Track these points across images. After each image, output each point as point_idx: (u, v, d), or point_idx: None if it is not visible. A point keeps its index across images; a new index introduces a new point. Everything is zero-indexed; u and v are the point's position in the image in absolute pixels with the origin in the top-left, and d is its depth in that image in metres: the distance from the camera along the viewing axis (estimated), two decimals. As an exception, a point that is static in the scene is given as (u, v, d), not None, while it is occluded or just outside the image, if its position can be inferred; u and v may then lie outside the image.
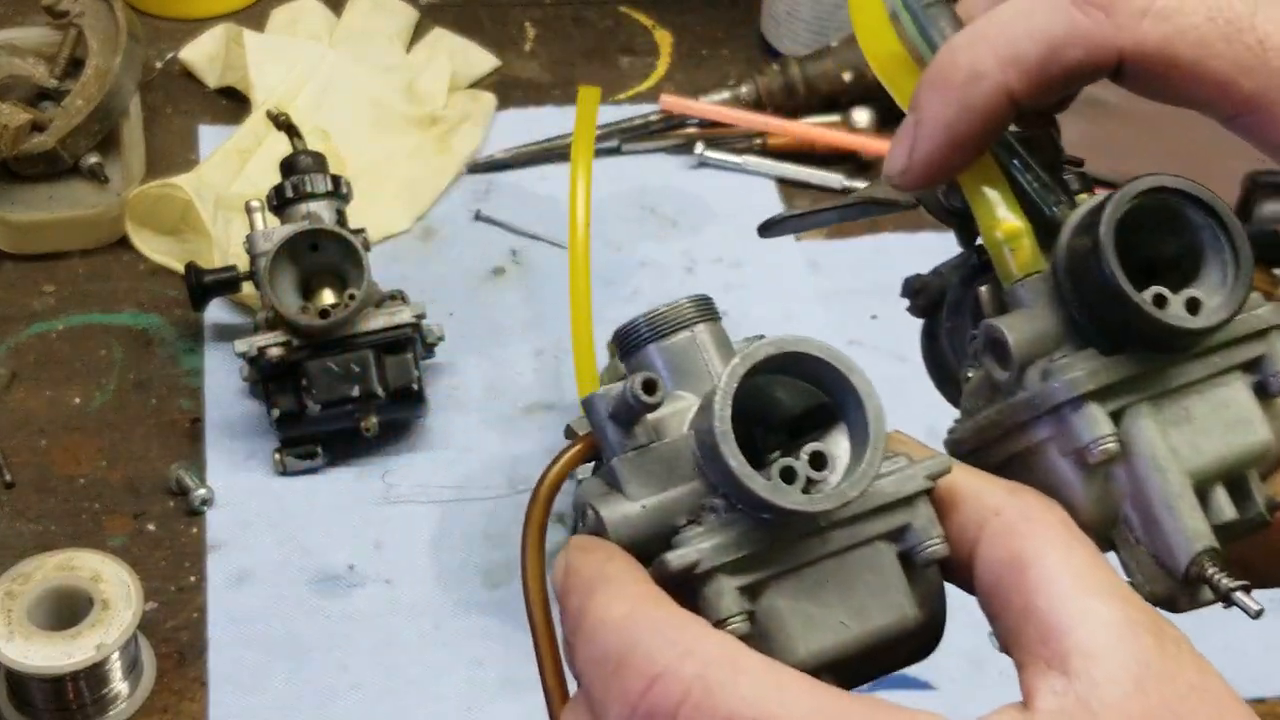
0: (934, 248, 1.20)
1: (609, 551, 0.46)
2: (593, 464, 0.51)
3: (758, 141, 1.26)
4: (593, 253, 0.97)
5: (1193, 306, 0.48)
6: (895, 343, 1.12)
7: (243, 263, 1.05)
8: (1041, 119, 0.54)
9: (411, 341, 1.02)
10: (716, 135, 1.27)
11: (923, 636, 0.49)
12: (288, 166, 1.07)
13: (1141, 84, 0.51)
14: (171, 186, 1.13)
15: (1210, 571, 0.47)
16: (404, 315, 1.02)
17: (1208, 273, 0.49)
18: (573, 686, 0.47)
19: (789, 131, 1.25)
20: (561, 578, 0.47)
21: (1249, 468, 0.50)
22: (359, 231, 1.04)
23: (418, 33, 1.34)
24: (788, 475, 0.45)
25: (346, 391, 1.00)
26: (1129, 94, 0.51)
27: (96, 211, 1.16)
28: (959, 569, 0.47)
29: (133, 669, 0.90)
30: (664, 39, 1.38)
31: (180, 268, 1.08)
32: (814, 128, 1.26)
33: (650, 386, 0.47)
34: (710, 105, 1.26)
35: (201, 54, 1.29)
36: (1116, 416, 0.48)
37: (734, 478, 0.44)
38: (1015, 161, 0.53)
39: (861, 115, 1.25)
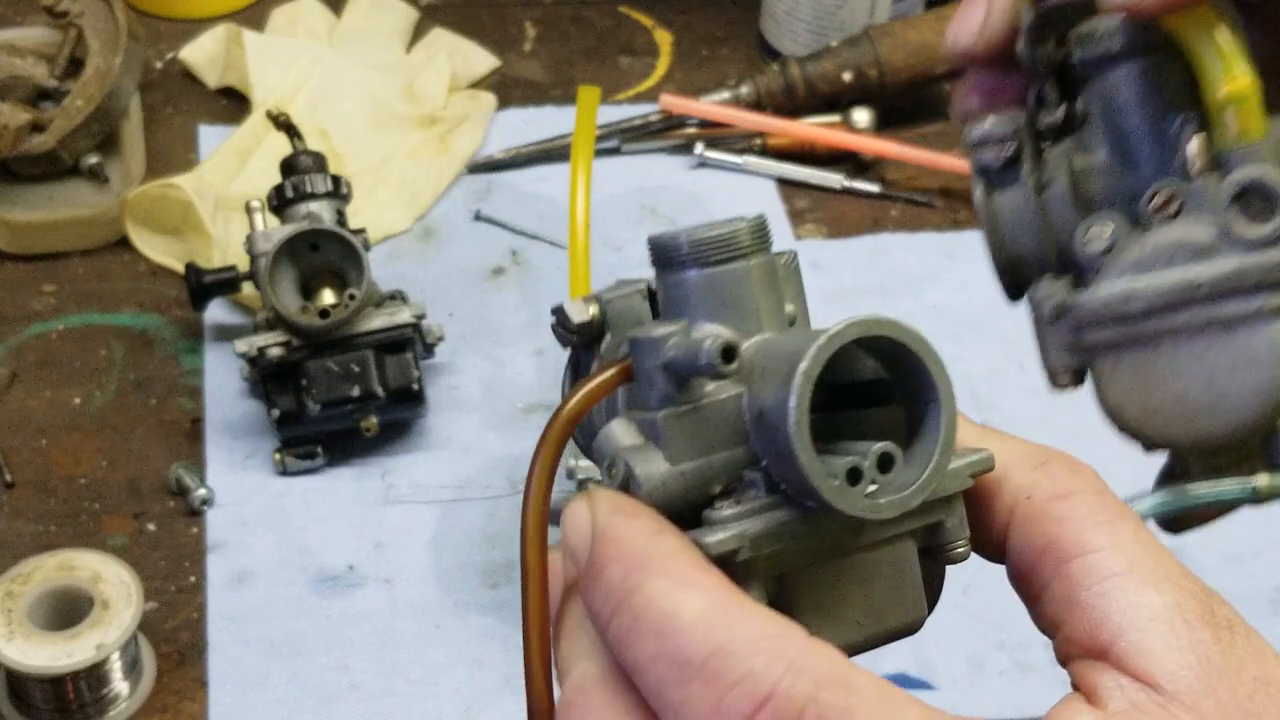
0: (934, 247, 1.22)
1: (658, 523, 0.42)
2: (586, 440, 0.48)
3: (757, 142, 1.26)
4: (593, 253, 0.97)
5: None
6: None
7: (243, 263, 1.05)
8: None
9: (411, 341, 1.02)
10: (716, 135, 1.27)
11: (919, 627, 0.47)
12: (288, 166, 1.07)
13: None
14: (171, 187, 1.13)
15: None
16: (404, 315, 1.02)
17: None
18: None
19: (789, 132, 1.25)
20: (591, 541, 0.42)
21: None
22: (359, 231, 1.04)
23: (417, 32, 1.34)
24: (854, 477, 0.41)
25: (346, 391, 1.00)
26: None
27: (96, 211, 1.16)
28: (987, 546, 0.46)
29: (133, 669, 0.90)
30: (664, 39, 1.38)
31: (180, 268, 1.09)
32: (814, 128, 1.26)
33: (730, 354, 0.41)
34: (710, 105, 1.26)
35: (201, 54, 1.29)
36: None
37: (802, 475, 0.40)
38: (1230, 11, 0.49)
39: (861, 115, 1.25)
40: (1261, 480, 0.53)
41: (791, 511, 0.42)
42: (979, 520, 0.45)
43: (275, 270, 1.00)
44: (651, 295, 0.49)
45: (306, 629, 0.95)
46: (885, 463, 0.41)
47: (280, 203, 1.04)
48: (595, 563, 0.42)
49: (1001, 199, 0.52)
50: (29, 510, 1.00)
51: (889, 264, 1.20)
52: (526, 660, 0.45)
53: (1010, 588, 0.46)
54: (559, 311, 0.48)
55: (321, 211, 1.04)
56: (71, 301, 1.13)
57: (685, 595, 0.39)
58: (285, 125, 1.13)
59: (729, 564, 0.42)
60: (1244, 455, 0.51)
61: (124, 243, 1.15)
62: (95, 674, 0.88)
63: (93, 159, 1.19)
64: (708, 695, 0.38)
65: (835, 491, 0.41)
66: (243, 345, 1.00)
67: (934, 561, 0.46)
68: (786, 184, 1.25)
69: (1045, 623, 0.44)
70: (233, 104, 1.28)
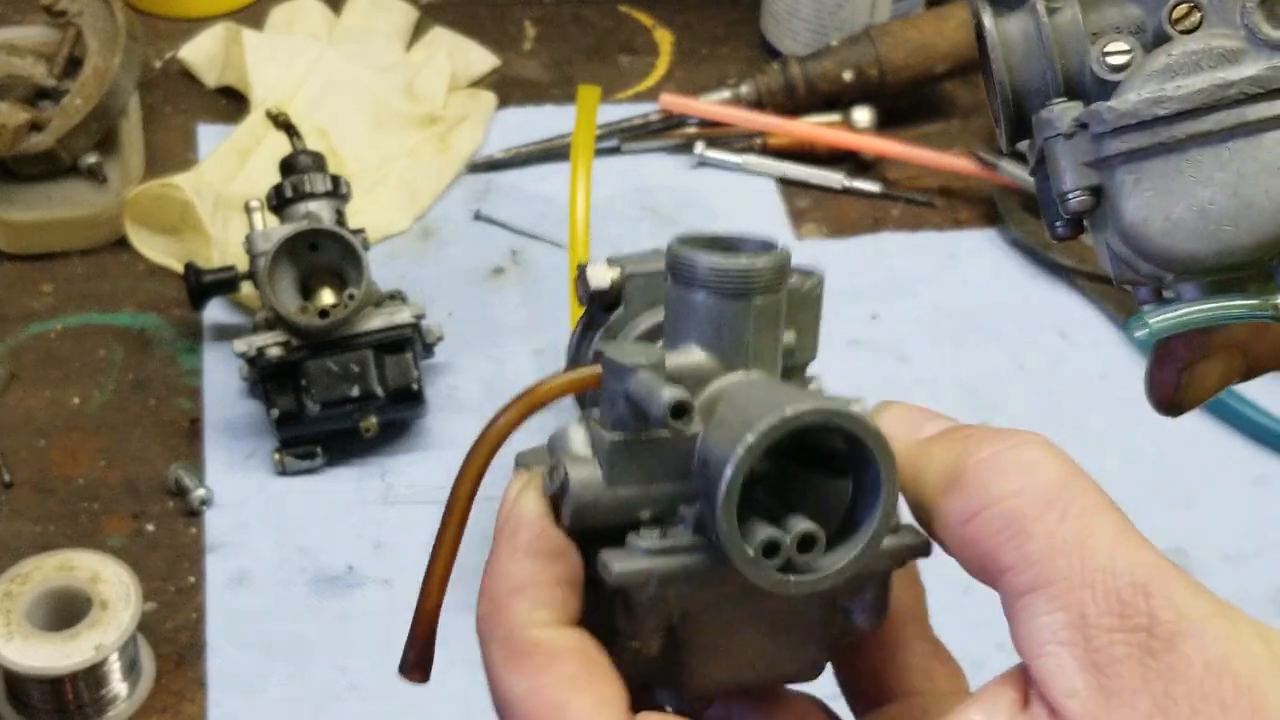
0: (934, 247, 1.21)
1: (544, 562, 0.46)
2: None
3: (758, 141, 1.26)
4: (592, 253, 0.97)
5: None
6: (895, 342, 1.11)
7: (242, 262, 1.05)
8: None
9: (411, 341, 1.02)
10: (716, 135, 1.26)
11: (812, 678, 0.48)
12: (287, 166, 1.06)
13: None
14: (170, 186, 1.13)
15: None
16: (403, 315, 1.02)
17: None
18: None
19: (789, 131, 1.25)
20: (500, 532, 0.48)
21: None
22: (358, 231, 1.03)
23: (417, 32, 1.34)
24: (770, 550, 0.42)
25: (346, 391, 1.00)
26: None
27: (95, 211, 1.16)
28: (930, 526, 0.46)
29: (131, 670, 0.90)
30: (664, 38, 1.38)
31: (179, 267, 1.08)
32: (814, 127, 1.25)
33: (680, 411, 0.42)
34: (710, 105, 1.26)
35: (200, 53, 1.29)
36: None
37: (722, 538, 0.41)
38: None
39: (862, 115, 1.25)
40: None
41: (710, 557, 0.43)
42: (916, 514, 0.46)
43: (274, 270, 0.99)
44: None
45: (306, 629, 0.95)
46: (805, 544, 0.42)
47: (279, 202, 1.04)
48: (489, 564, 0.48)
49: (1011, 24, 0.51)
50: (28, 510, 1.00)
51: (889, 264, 1.20)
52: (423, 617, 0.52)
53: None
54: (581, 270, 0.49)
55: (321, 211, 1.03)
56: (70, 301, 1.13)
57: (515, 677, 0.46)
58: (284, 124, 1.12)
59: (629, 594, 0.43)
60: (1261, 280, 0.50)
61: (123, 242, 1.15)
62: (94, 675, 0.88)
63: (91, 158, 1.18)
64: None
65: (748, 561, 0.41)
66: (242, 345, 1.00)
67: (844, 622, 0.46)
68: (787, 183, 1.25)
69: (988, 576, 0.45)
70: (232, 103, 1.28)
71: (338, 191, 1.05)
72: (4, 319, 1.11)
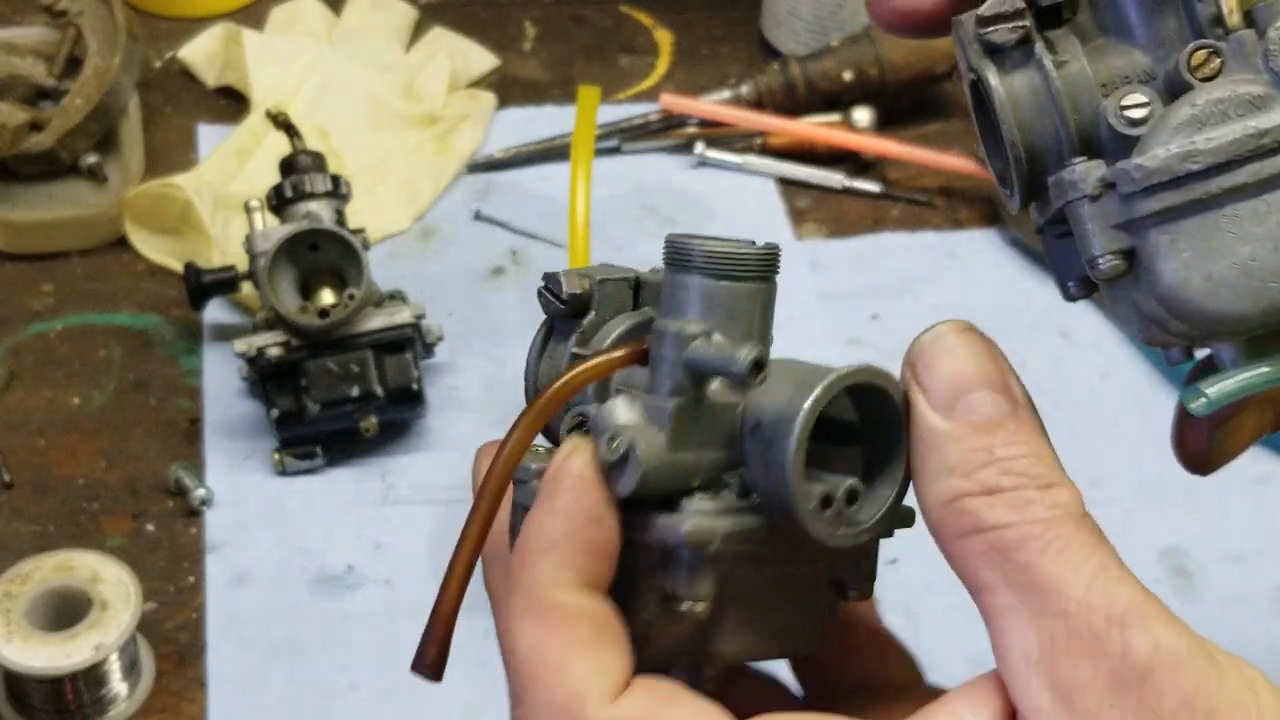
0: (934, 247, 1.22)
1: (581, 525, 0.45)
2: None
3: (758, 141, 1.26)
4: (593, 252, 0.97)
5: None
6: (895, 342, 1.11)
7: (242, 262, 1.05)
8: None
9: (411, 341, 1.02)
10: (716, 135, 1.26)
11: (809, 652, 0.50)
12: (287, 166, 1.06)
13: None
14: (170, 186, 1.13)
15: None
16: (403, 315, 1.02)
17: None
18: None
19: (789, 131, 1.25)
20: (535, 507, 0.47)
21: None
22: (358, 231, 1.03)
23: (417, 32, 1.34)
24: (825, 503, 0.45)
25: (346, 391, 1.00)
26: None
27: (95, 211, 1.16)
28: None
29: (131, 670, 0.90)
30: (664, 38, 1.38)
31: (179, 267, 1.08)
32: (814, 127, 1.25)
33: (759, 368, 0.45)
34: (710, 105, 1.26)
35: (200, 53, 1.29)
36: None
37: (787, 492, 0.44)
38: None
39: (862, 115, 1.25)
40: None
41: (756, 520, 0.46)
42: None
43: (274, 270, 0.99)
44: (636, 287, 0.52)
45: (306, 629, 0.95)
46: (852, 497, 0.46)
47: (279, 202, 1.04)
48: (529, 516, 0.47)
49: (1017, 80, 0.48)
50: (27, 510, 1.00)
51: (889, 264, 1.20)
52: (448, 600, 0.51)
53: None
54: (551, 278, 0.51)
55: (321, 211, 1.03)
56: (70, 301, 1.13)
57: (523, 626, 0.46)
58: (284, 124, 1.12)
59: (695, 551, 0.45)
60: None
61: (123, 242, 1.15)
62: (94, 675, 0.88)
63: (91, 158, 1.18)
64: (528, 704, 0.45)
65: (810, 514, 0.44)
66: (242, 345, 1.00)
67: (835, 596, 0.49)
68: (787, 183, 1.25)
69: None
70: (232, 103, 1.28)
71: (338, 191, 1.05)
72: (4, 319, 1.11)
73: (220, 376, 1.07)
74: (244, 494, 1.01)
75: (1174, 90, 0.47)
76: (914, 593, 0.90)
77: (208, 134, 1.25)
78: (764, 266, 0.48)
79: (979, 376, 0.47)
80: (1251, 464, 1.07)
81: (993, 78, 0.48)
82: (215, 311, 1.11)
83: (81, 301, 1.13)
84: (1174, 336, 0.47)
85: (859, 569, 0.48)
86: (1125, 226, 0.46)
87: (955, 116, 1.31)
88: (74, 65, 1.20)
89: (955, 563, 0.45)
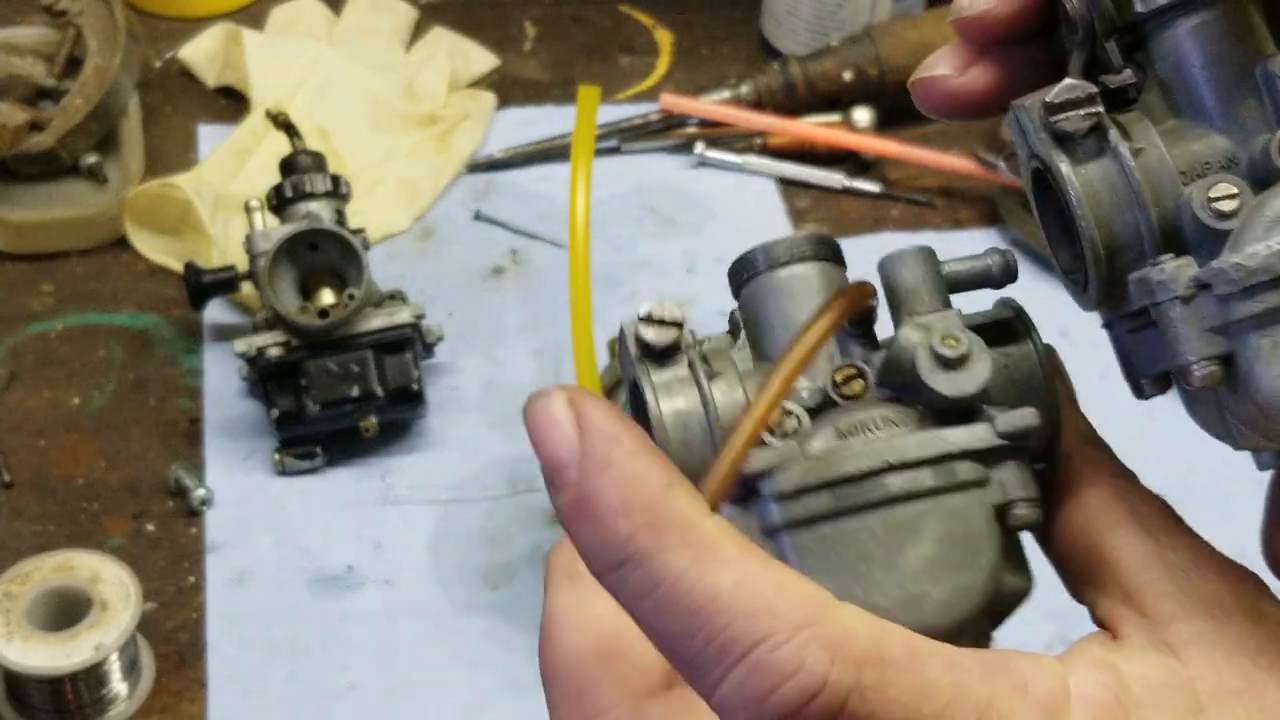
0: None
1: (668, 471, 0.39)
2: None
3: (758, 141, 1.26)
4: (593, 252, 0.97)
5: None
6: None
7: (242, 262, 1.05)
8: None
9: (411, 341, 1.02)
10: (716, 135, 1.26)
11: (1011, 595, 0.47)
12: (287, 166, 1.07)
13: None
14: (170, 186, 1.13)
15: None
16: (403, 315, 1.02)
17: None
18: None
19: (789, 131, 1.25)
20: (579, 464, 0.38)
21: None
22: (358, 231, 1.03)
23: (417, 32, 1.34)
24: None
25: (346, 391, 1.00)
26: None
27: (95, 211, 1.16)
28: None
29: (131, 670, 0.90)
30: (664, 38, 1.38)
31: (179, 267, 1.08)
32: (814, 127, 1.25)
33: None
34: (710, 105, 1.26)
35: (200, 53, 1.29)
36: None
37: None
38: None
39: (862, 115, 1.25)
40: None
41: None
42: None
43: (274, 270, 1.00)
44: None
45: (306, 629, 0.95)
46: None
47: (279, 202, 1.04)
48: (589, 500, 0.38)
49: (1093, 171, 0.44)
50: (28, 510, 1.00)
51: (889, 264, 1.20)
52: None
53: None
54: (637, 324, 0.47)
55: (321, 211, 1.04)
56: (70, 301, 1.13)
57: (717, 572, 0.37)
58: (284, 125, 1.12)
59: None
60: None
61: (123, 242, 1.15)
62: (94, 675, 0.88)
63: (91, 158, 1.18)
64: (756, 684, 0.37)
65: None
66: (242, 345, 1.00)
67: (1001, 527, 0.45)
68: (787, 183, 1.25)
69: (1074, 583, 0.46)
70: (232, 103, 1.28)
71: (338, 191, 1.05)
72: (4, 319, 1.11)
73: (220, 376, 1.07)
74: (244, 494, 1.02)
75: (1259, 176, 0.43)
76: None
77: (208, 134, 1.25)
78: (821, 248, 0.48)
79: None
80: (1252, 464, 1.07)
81: (1066, 169, 0.44)
82: (215, 311, 1.11)
83: (82, 301, 1.13)
84: (1271, 443, 0.45)
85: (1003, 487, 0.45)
86: (1222, 330, 0.42)
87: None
88: (74, 65, 1.20)
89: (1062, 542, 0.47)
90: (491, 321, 1.13)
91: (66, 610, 0.88)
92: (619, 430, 0.39)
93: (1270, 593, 0.43)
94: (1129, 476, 0.48)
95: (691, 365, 0.46)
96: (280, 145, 1.12)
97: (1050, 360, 0.48)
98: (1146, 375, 0.47)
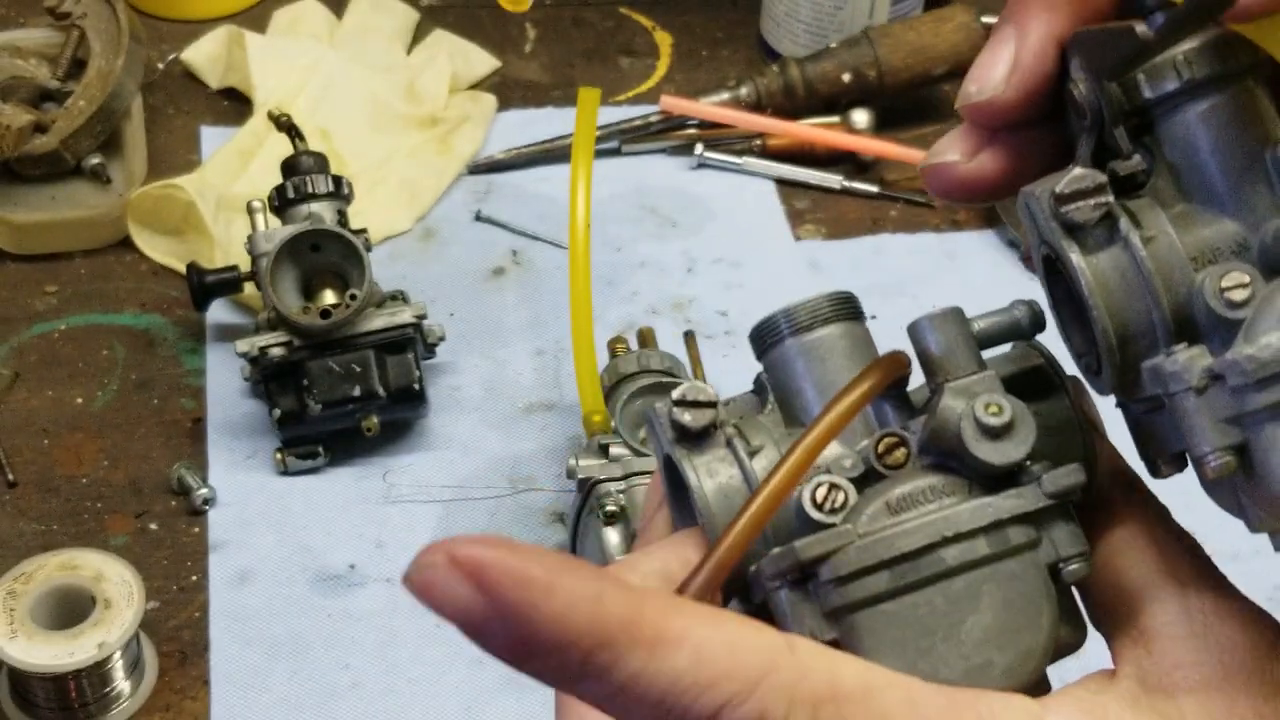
0: (934, 248, 1.22)
1: (594, 582, 0.38)
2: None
3: (757, 142, 1.26)
4: (593, 253, 0.97)
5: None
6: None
7: (244, 263, 1.05)
8: None
9: (412, 341, 1.02)
10: (716, 136, 1.27)
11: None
12: (289, 167, 1.07)
13: None
14: (173, 187, 1.13)
15: None
16: (405, 315, 1.02)
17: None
18: None
19: (788, 132, 1.25)
20: (493, 618, 0.37)
21: None
22: (360, 232, 1.04)
23: (418, 34, 1.35)
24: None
25: (348, 391, 1.01)
26: None
27: (98, 212, 1.16)
28: None
29: (135, 668, 0.90)
30: (664, 40, 1.38)
31: (182, 268, 1.09)
32: (813, 129, 1.26)
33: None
34: (710, 106, 1.26)
35: (203, 55, 1.30)
36: None
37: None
38: None
39: (860, 116, 1.26)
40: None
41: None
42: None
43: (276, 270, 1.00)
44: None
45: (308, 628, 0.95)
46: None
47: (282, 203, 1.05)
48: (527, 647, 0.38)
49: (1104, 260, 0.44)
50: (31, 510, 1.00)
51: (888, 264, 1.20)
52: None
53: None
54: (672, 404, 0.47)
55: (323, 212, 1.04)
56: (73, 302, 1.13)
57: (671, 657, 0.38)
58: (287, 126, 1.13)
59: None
60: None
61: (126, 243, 1.16)
62: (97, 673, 0.88)
63: (95, 159, 1.19)
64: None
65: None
66: (244, 345, 1.00)
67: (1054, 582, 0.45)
68: (786, 184, 1.26)
69: (1095, 612, 0.46)
70: (234, 105, 1.28)
71: (339, 192, 1.05)
72: (8, 319, 1.12)
73: (223, 376, 1.08)
74: (246, 493, 1.02)
75: (1270, 263, 0.43)
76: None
77: (210, 135, 1.26)
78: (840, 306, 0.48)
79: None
80: None
81: (1077, 259, 0.44)
82: (218, 312, 1.11)
83: (85, 302, 1.13)
84: None
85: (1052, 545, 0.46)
86: (1236, 420, 0.41)
87: (953, 118, 1.32)
88: (78, 67, 1.21)
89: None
90: (492, 321, 1.14)
91: (70, 609, 0.89)
92: (520, 568, 0.37)
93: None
94: (1160, 512, 0.47)
95: (730, 443, 0.46)
96: (282, 146, 1.12)
97: (1077, 395, 0.48)
98: (1162, 457, 0.47)
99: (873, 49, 1.26)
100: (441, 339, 1.05)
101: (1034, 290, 0.53)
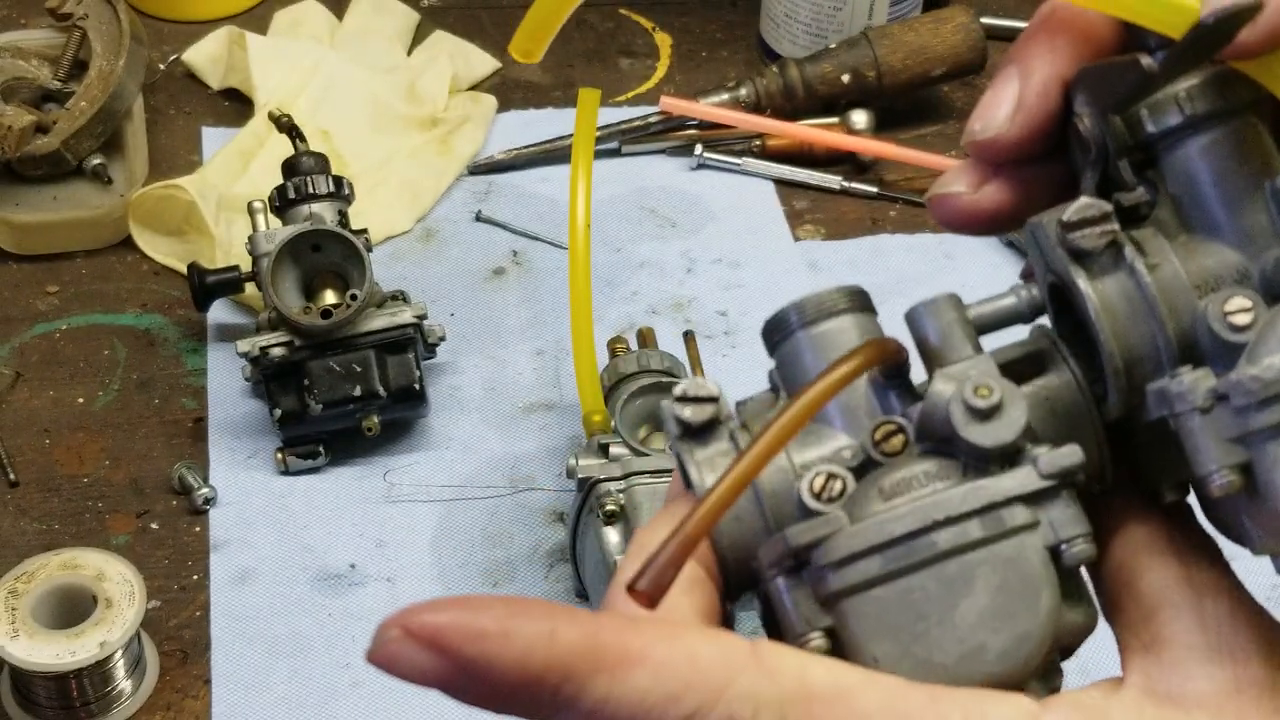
0: (932, 248, 1.22)
1: (546, 619, 0.40)
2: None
3: (756, 143, 1.27)
4: (593, 253, 0.97)
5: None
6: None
7: (245, 263, 1.05)
8: None
9: (413, 341, 1.03)
10: (715, 137, 1.27)
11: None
12: (290, 168, 1.07)
13: None
14: (175, 187, 1.13)
15: None
16: (405, 315, 1.02)
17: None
18: None
19: (787, 133, 1.25)
20: (468, 677, 0.40)
21: None
22: (361, 232, 1.04)
23: (419, 35, 1.35)
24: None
25: (348, 391, 1.01)
26: None
27: (100, 212, 1.17)
28: None
29: (136, 667, 0.91)
30: (663, 41, 1.39)
31: (183, 268, 1.09)
32: (812, 129, 1.26)
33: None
34: (709, 107, 1.26)
35: (204, 56, 1.30)
36: None
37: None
38: None
39: (859, 117, 1.26)
40: None
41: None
42: None
43: (277, 271, 1.00)
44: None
45: (309, 627, 0.96)
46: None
47: (282, 203, 1.05)
48: (496, 694, 0.40)
49: (1110, 286, 0.45)
50: (33, 509, 1.01)
51: (887, 264, 1.20)
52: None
53: None
54: (678, 400, 0.47)
55: (323, 212, 1.04)
56: (75, 302, 1.13)
57: (634, 677, 0.39)
58: (287, 127, 1.13)
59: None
60: None
61: (127, 243, 1.16)
62: (99, 672, 0.88)
63: (96, 160, 1.19)
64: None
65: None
66: (245, 345, 1.01)
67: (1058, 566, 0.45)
68: (785, 185, 1.26)
69: (1108, 611, 0.46)
70: (235, 105, 1.28)
71: (340, 193, 1.05)
72: (9, 319, 1.12)
73: (224, 376, 1.08)
74: (247, 493, 1.02)
75: (1272, 290, 0.44)
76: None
77: (211, 136, 1.26)
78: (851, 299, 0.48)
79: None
80: None
81: (1084, 285, 0.45)
82: (219, 312, 1.11)
83: (86, 302, 1.13)
84: None
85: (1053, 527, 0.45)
86: (1240, 440, 0.42)
87: (952, 119, 1.32)
88: (79, 68, 1.21)
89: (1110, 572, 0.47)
90: (492, 322, 1.14)
91: (72, 608, 0.89)
92: (473, 623, 0.39)
93: None
94: (1181, 511, 0.47)
95: (733, 436, 0.46)
96: (283, 147, 1.12)
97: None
98: (1166, 482, 0.47)
99: (872, 50, 1.27)
100: (442, 339, 1.05)
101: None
